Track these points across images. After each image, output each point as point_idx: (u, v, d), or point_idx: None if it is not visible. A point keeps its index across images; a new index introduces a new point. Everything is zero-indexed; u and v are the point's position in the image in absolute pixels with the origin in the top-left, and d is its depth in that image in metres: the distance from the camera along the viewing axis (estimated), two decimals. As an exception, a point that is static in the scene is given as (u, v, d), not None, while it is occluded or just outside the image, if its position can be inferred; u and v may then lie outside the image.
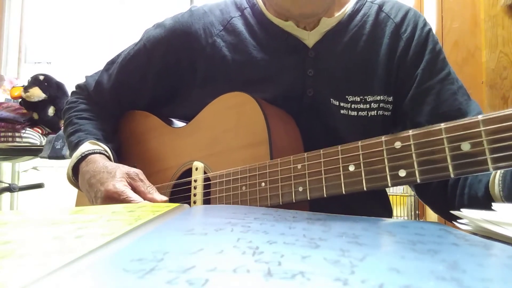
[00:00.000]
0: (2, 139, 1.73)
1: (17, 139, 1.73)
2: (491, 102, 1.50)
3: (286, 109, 0.63)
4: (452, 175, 0.37)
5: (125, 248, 0.20)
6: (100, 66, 0.79)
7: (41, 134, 1.79)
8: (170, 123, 0.74)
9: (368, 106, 0.63)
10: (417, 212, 1.76)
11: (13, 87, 1.92)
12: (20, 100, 1.80)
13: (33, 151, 1.75)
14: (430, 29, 0.65)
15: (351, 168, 0.43)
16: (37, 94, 1.73)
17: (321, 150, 0.46)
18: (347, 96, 0.63)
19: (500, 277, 0.18)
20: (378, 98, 0.63)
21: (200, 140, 0.64)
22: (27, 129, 1.76)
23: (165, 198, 0.59)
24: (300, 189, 0.47)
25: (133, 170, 0.61)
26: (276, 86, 0.63)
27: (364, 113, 0.63)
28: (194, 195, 0.61)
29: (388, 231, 0.30)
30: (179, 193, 0.65)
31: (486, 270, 0.19)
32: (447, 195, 0.60)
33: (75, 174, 0.68)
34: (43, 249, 0.20)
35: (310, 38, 0.64)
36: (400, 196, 1.79)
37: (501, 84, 1.50)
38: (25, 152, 1.78)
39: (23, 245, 0.21)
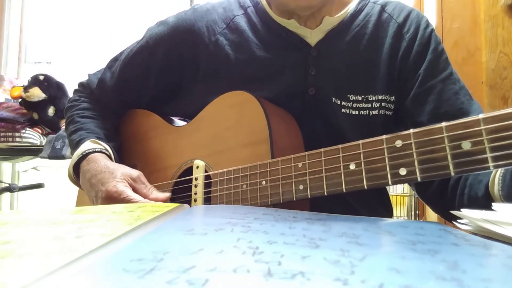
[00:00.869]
0: (2, 139, 1.73)
1: (17, 139, 1.73)
2: (491, 102, 1.50)
3: (288, 108, 0.63)
4: (452, 174, 0.37)
5: (125, 248, 0.20)
6: (101, 66, 0.79)
7: (41, 134, 1.79)
8: (171, 122, 0.74)
9: (369, 105, 0.63)
10: (417, 212, 1.76)
11: (13, 87, 1.92)
12: (20, 100, 1.80)
13: (33, 151, 1.75)
14: (432, 29, 0.65)
15: (352, 166, 0.43)
16: (37, 94, 1.73)
17: (322, 149, 0.47)
18: (348, 95, 0.63)
19: (500, 277, 0.18)
20: (380, 97, 0.63)
21: (201, 138, 0.64)
22: (27, 129, 1.76)
23: (168, 194, 0.60)
24: (301, 187, 0.48)
25: (135, 172, 0.61)
26: (278, 84, 0.64)
27: (365, 112, 0.63)
28: (195, 193, 0.61)
29: (388, 231, 0.30)
30: (180, 192, 0.65)
31: (486, 270, 0.19)
32: (447, 195, 0.60)
33: (76, 173, 0.68)
34: (43, 249, 0.20)
35: (312, 36, 0.64)
36: (400, 196, 1.79)
37: (501, 84, 1.50)
38: (25, 152, 1.78)
39: (23, 245, 0.21)
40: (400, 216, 1.76)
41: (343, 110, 0.63)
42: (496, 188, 0.48)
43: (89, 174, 0.62)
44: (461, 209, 0.35)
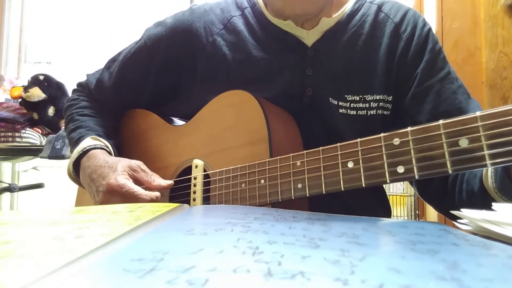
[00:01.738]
0: (2, 139, 1.73)
1: (17, 139, 1.73)
2: (491, 102, 1.50)
3: (286, 109, 0.63)
4: (450, 171, 0.37)
5: (125, 248, 0.20)
6: (100, 66, 0.80)
7: (41, 134, 1.79)
8: (170, 122, 0.74)
9: (367, 105, 0.63)
10: (417, 212, 1.76)
11: (13, 87, 1.92)
12: (20, 100, 1.80)
13: (33, 151, 1.75)
14: (430, 29, 0.65)
15: (350, 164, 0.43)
16: (37, 94, 1.73)
17: (320, 148, 0.47)
18: (346, 96, 0.63)
19: (500, 277, 0.18)
20: (378, 97, 0.63)
21: (200, 138, 0.64)
22: (27, 129, 1.76)
23: (170, 181, 0.60)
24: (299, 186, 0.48)
25: (134, 162, 0.61)
26: (276, 85, 0.64)
27: (363, 112, 0.63)
28: (194, 192, 0.61)
29: (388, 231, 0.30)
30: (179, 191, 0.65)
31: (486, 270, 0.19)
32: (447, 192, 0.60)
33: (76, 170, 0.68)
34: (43, 249, 0.20)
35: (309, 37, 0.64)
36: (400, 196, 1.79)
37: (501, 84, 1.50)
38: (25, 152, 1.78)
39: (23, 245, 0.21)
40: (400, 216, 1.76)
41: (341, 111, 0.63)
42: (489, 181, 0.49)
43: (90, 170, 0.62)
44: (461, 209, 0.35)
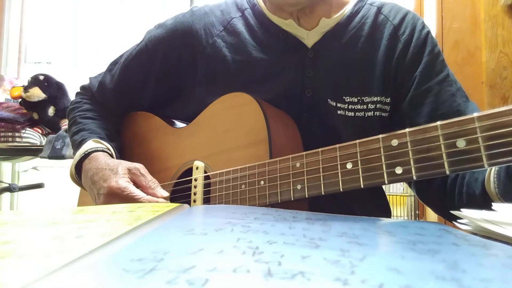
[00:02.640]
0: (2, 139, 1.73)
1: (17, 139, 1.73)
2: (491, 102, 1.50)
3: (286, 110, 0.63)
4: (447, 172, 0.37)
5: (125, 248, 0.20)
6: (100, 66, 0.80)
7: (41, 134, 1.79)
8: (171, 124, 0.74)
9: (365, 106, 0.63)
10: (417, 212, 1.76)
11: (13, 87, 1.92)
12: (20, 100, 1.80)
13: (33, 151, 1.75)
14: (428, 31, 0.65)
15: (349, 165, 0.44)
16: (37, 94, 1.73)
17: (320, 149, 0.47)
18: (344, 97, 0.63)
19: (500, 277, 0.18)
20: (375, 99, 0.63)
21: (201, 140, 0.64)
22: (27, 129, 1.76)
23: (166, 193, 0.59)
24: (299, 187, 0.48)
25: (134, 165, 0.61)
26: (276, 86, 0.64)
27: (361, 114, 0.63)
28: (194, 194, 0.62)
29: (388, 231, 0.30)
30: (180, 192, 0.65)
31: (486, 270, 0.19)
32: (446, 195, 0.60)
33: (78, 172, 0.68)
34: (43, 249, 0.20)
35: (309, 38, 0.64)
36: (400, 196, 1.79)
37: (501, 84, 1.50)
38: (25, 152, 1.78)
39: (23, 245, 0.21)
40: (400, 216, 1.76)
41: (339, 112, 0.63)
42: (492, 185, 0.49)
43: (91, 172, 0.62)
44: (461, 209, 0.35)
